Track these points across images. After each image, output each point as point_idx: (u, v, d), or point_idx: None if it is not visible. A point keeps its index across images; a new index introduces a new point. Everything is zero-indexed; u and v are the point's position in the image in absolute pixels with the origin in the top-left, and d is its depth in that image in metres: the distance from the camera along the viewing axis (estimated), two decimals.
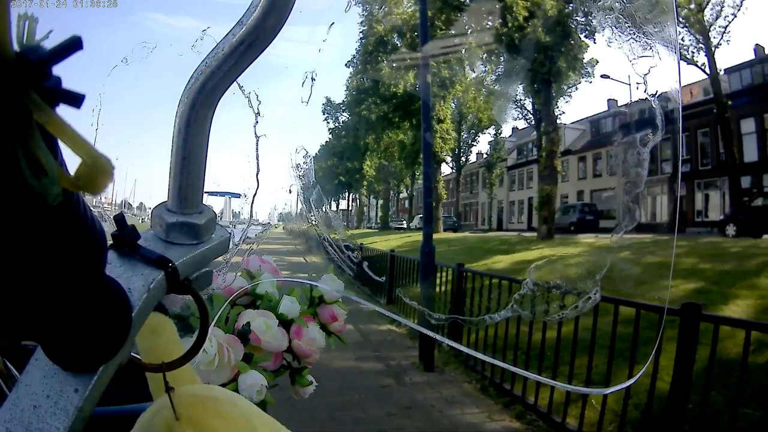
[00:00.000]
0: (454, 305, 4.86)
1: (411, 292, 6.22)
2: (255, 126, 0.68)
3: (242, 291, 0.72)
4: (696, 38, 17.08)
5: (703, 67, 17.52)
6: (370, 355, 4.82)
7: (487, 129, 28.46)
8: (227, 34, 0.35)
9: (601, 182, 23.63)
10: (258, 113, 0.67)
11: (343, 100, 29.46)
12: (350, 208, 38.96)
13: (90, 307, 0.27)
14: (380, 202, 35.34)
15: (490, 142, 30.45)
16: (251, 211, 0.74)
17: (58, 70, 0.19)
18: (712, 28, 17.00)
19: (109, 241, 0.32)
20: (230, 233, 0.42)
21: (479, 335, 4.50)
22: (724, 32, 16.87)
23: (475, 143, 29.73)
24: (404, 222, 31.53)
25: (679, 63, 0.56)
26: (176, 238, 0.38)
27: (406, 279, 6.62)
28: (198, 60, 0.36)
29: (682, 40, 17.04)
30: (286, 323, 0.74)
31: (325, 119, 32.12)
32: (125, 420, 0.40)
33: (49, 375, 0.30)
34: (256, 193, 0.72)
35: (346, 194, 37.75)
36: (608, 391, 0.70)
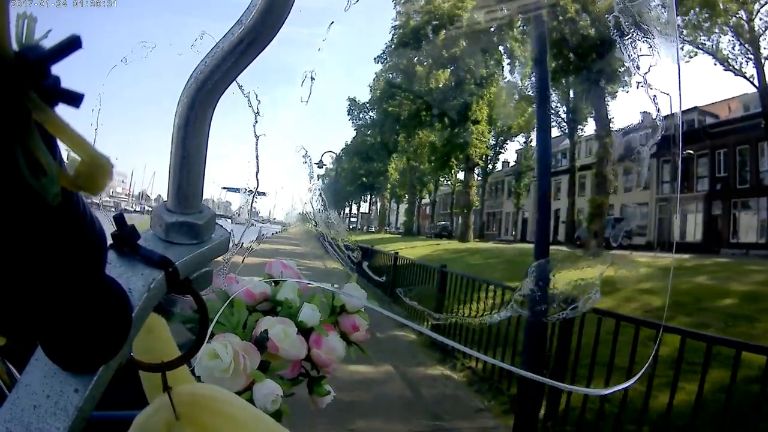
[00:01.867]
0: (556, 360, 3.35)
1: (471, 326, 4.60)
2: (254, 125, 0.68)
3: (262, 296, 0.70)
4: (745, 48, 16.08)
5: (751, 79, 16.51)
6: (429, 426, 3.30)
7: (516, 137, 27.17)
8: (226, 34, 0.35)
9: (632, 197, 22.12)
10: (257, 113, 0.68)
11: (370, 99, 28.14)
12: (371, 212, 37.76)
13: (90, 307, 0.27)
14: (403, 206, 33.97)
15: (517, 151, 29.42)
16: (250, 210, 0.74)
17: (57, 69, 0.19)
18: (762, 38, 15.94)
19: (109, 241, 0.32)
20: (230, 233, 0.42)
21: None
22: None
23: (502, 151, 28.37)
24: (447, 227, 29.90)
25: (678, 66, 0.55)
26: (176, 238, 0.38)
27: (461, 304, 5.01)
28: (197, 59, 0.36)
29: (732, 48, 16.32)
30: (305, 331, 0.73)
31: (350, 119, 30.83)
32: (123, 424, 0.40)
33: (49, 375, 0.30)
34: (255, 192, 0.73)
35: (368, 197, 36.43)
36: (607, 391, 0.70)
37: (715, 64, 16.66)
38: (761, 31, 15.89)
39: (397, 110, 23.47)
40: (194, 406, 0.39)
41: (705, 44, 16.18)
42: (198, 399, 0.40)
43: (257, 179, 0.74)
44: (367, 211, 37.72)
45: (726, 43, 16.46)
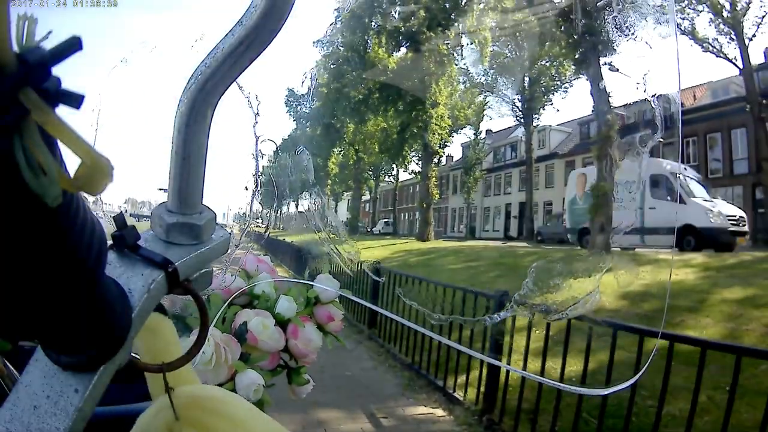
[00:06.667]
0: None
1: None
2: (254, 126, 0.68)
3: (240, 291, 0.73)
4: (727, 28, 15.13)
5: (734, 62, 15.60)
6: None
7: (462, 129, 25.02)
8: (227, 35, 0.35)
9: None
10: (257, 113, 0.68)
11: (309, 89, 25.05)
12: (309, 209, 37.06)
13: (90, 308, 0.27)
14: (342, 204, 32.29)
15: (463, 144, 28.09)
16: (250, 212, 0.74)
17: (57, 70, 0.19)
18: (745, 18, 14.96)
19: (109, 242, 0.32)
20: (230, 233, 0.42)
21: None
22: (760, 23, 14.85)
23: (448, 144, 25.61)
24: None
25: (678, 60, 0.55)
26: (176, 238, 0.38)
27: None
28: (197, 60, 0.36)
29: (716, 27, 15.31)
30: (282, 323, 0.74)
31: (288, 111, 29.28)
32: (125, 420, 0.40)
33: (49, 375, 0.30)
34: (255, 193, 0.73)
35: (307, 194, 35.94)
36: (607, 391, 0.70)
37: (692, 46, 15.81)
38: (744, 10, 15.02)
39: (345, 94, 21.05)
40: (194, 406, 0.39)
41: (681, 24, 15.17)
42: (198, 400, 0.40)
43: (257, 180, 0.74)
44: (306, 210, 36.82)
45: (706, 22, 15.74)
